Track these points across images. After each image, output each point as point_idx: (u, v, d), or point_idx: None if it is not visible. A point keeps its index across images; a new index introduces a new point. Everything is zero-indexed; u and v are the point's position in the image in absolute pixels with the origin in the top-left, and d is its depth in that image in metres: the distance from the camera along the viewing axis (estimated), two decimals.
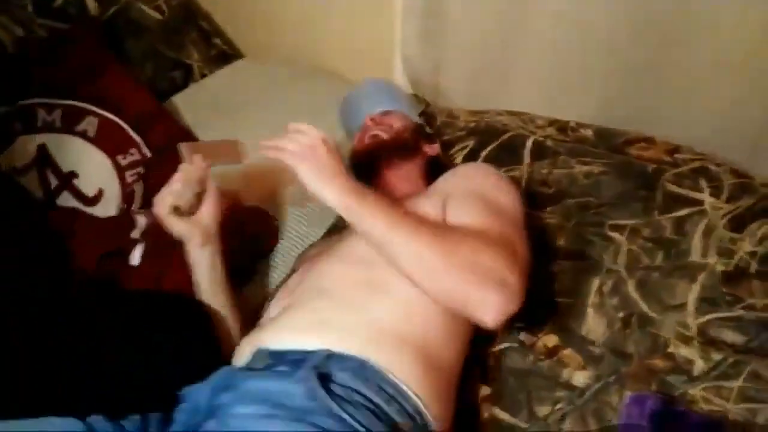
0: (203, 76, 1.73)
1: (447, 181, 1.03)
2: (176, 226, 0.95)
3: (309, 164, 0.84)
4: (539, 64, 1.47)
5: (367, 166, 1.19)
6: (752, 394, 0.87)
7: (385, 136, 1.20)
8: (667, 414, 0.79)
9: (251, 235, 1.22)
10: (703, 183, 1.19)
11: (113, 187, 1.27)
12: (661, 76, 1.35)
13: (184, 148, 1.42)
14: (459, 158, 1.39)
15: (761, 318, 0.96)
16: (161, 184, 1.32)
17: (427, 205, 0.95)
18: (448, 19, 1.51)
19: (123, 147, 1.29)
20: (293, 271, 1.15)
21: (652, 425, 0.76)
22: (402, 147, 1.20)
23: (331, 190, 0.83)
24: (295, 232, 1.29)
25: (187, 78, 1.71)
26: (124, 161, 1.29)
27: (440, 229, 0.85)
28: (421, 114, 1.55)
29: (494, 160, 1.34)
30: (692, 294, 1.02)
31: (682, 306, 1.01)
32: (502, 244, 0.83)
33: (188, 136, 1.47)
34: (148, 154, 1.32)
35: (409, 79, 1.70)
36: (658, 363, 0.95)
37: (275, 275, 1.23)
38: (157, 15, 1.65)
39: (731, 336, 0.95)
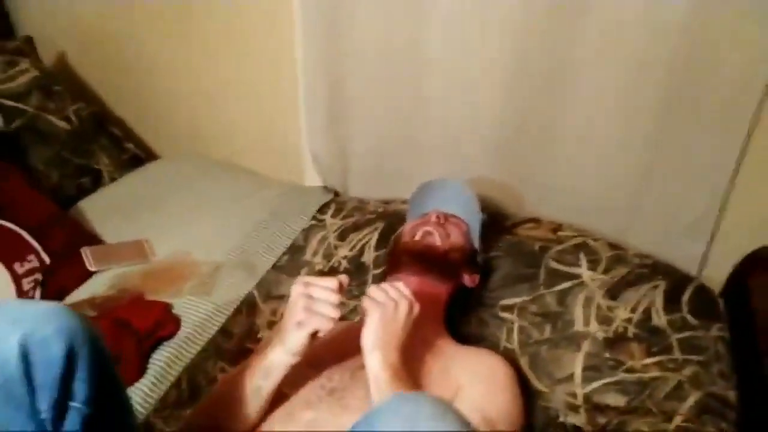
0: (114, 180, 1.71)
1: (465, 371, 0.93)
2: (302, 341, 0.81)
3: (382, 317, 0.82)
4: (436, 154, 1.54)
5: (402, 263, 1.12)
6: None
7: (437, 242, 1.12)
8: None
9: (153, 326, 1.20)
10: (582, 257, 1.26)
11: (9, 295, 1.21)
12: (546, 151, 1.43)
13: (87, 252, 1.39)
14: (372, 239, 1.42)
15: (641, 378, 1.01)
16: (59, 289, 1.29)
17: (437, 391, 0.87)
18: (350, 115, 1.57)
19: (20, 254, 1.25)
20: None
21: None
22: (445, 265, 1.11)
23: (378, 353, 0.80)
24: (196, 320, 1.25)
25: (96, 183, 1.69)
26: (21, 269, 1.23)
27: None
28: (332, 201, 1.59)
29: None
30: (578, 364, 1.06)
31: (569, 377, 1.05)
32: None
33: (92, 239, 1.43)
34: (47, 260, 1.27)
35: (319, 172, 1.74)
36: None
37: (176, 364, 1.18)
38: (65, 125, 1.65)
39: (614, 399, 0.98)
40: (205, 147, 1.91)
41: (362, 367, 0.82)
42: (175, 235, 1.49)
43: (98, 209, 1.57)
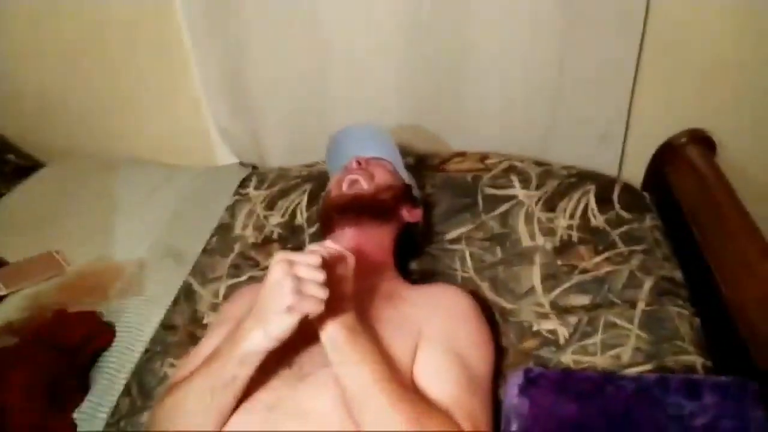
0: (1, 195, 1.51)
1: (424, 310, 0.88)
2: (291, 326, 0.70)
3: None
4: (350, 109, 1.48)
5: (334, 221, 1.03)
6: (612, 342, 0.91)
7: (365, 185, 1.04)
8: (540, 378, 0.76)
9: (84, 339, 1.07)
10: (514, 178, 1.26)
11: None
12: (457, 87, 1.41)
13: None
14: (303, 201, 1.35)
15: (596, 276, 1.02)
16: None
17: (399, 338, 0.81)
18: (252, 83, 1.47)
19: None
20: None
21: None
22: (377, 207, 1.03)
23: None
24: (132, 322, 1.14)
25: None
26: None
27: (418, 410, 0.72)
28: (252, 175, 1.49)
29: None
30: (535, 276, 1.06)
31: (531, 290, 1.04)
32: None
33: None
34: None
35: (231, 149, 1.63)
36: (530, 343, 0.95)
37: (122, 370, 1.07)
38: None
39: (578, 299, 0.99)
40: (98, 147, 1.72)
41: (315, 333, 0.75)
42: (87, 241, 1.35)
43: None
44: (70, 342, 1.07)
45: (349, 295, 0.75)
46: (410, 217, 1.09)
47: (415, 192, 1.16)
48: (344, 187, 1.04)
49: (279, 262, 0.71)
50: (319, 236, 1.25)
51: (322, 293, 0.69)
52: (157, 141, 1.68)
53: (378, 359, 0.73)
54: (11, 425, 0.95)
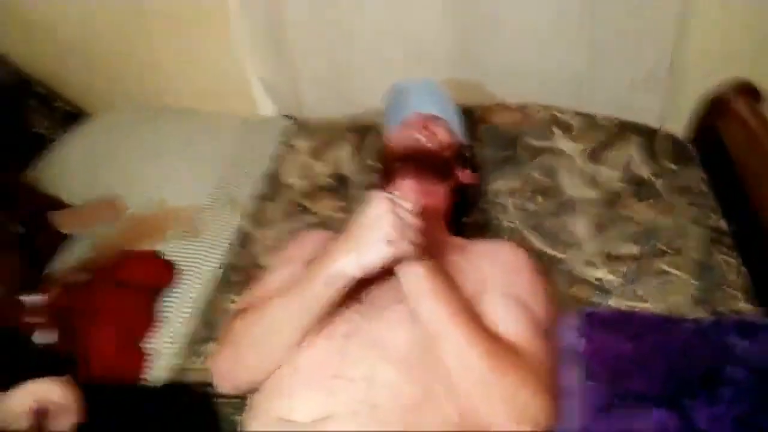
0: (53, 140, 1.54)
1: (486, 267, 0.89)
2: (385, 260, 0.73)
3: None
4: (385, 64, 1.47)
5: (395, 170, 1.02)
6: (662, 288, 0.94)
7: (427, 143, 1.04)
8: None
9: (147, 277, 1.14)
10: (556, 130, 1.26)
11: None
12: (495, 37, 1.40)
13: (57, 217, 1.26)
14: (348, 151, 1.37)
15: (644, 226, 1.04)
16: (37, 257, 1.18)
17: (468, 286, 0.83)
18: (293, 34, 1.47)
19: None
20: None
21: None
22: (439, 164, 1.03)
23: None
24: (191, 262, 1.19)
25: (40, 145, 1.53)
26: None
27: (495, 344, 0.75)
28: (295, 125, 1.50)
29: (376, 148, 1.32)
30: (581, 226, 1.08)
31: (579, 240, 1.06)
32: (541, 370, 0.76)
33: (57, 203, 1.30)
34: (21, 229, 1.16)
35: (274, 100, 1.64)
36: (578, 290, 0.98)
37: (184, 305, 1.13)
38: None
39: (626, 248, 1.02)
40: (140, 99, 1.73)
41: (385, 273, 0.77)
42: (142, 187, 1.39)
43: (52, 173, 1.43)
44: (134, 280, 1.13)
45: (423, 242, 0.77)
46: (466, 178, 1.09)
47: (468, 153, 1.15)
48: (405, 140, 1.05)
49: (381, 199, 0.74)
50: (368, 186, 1.28)
51: (419, 239, 0.72)
52: (199, 92, 1.69)
53: (454, 297, 0.77)
54: (86, 357, 1.02)
